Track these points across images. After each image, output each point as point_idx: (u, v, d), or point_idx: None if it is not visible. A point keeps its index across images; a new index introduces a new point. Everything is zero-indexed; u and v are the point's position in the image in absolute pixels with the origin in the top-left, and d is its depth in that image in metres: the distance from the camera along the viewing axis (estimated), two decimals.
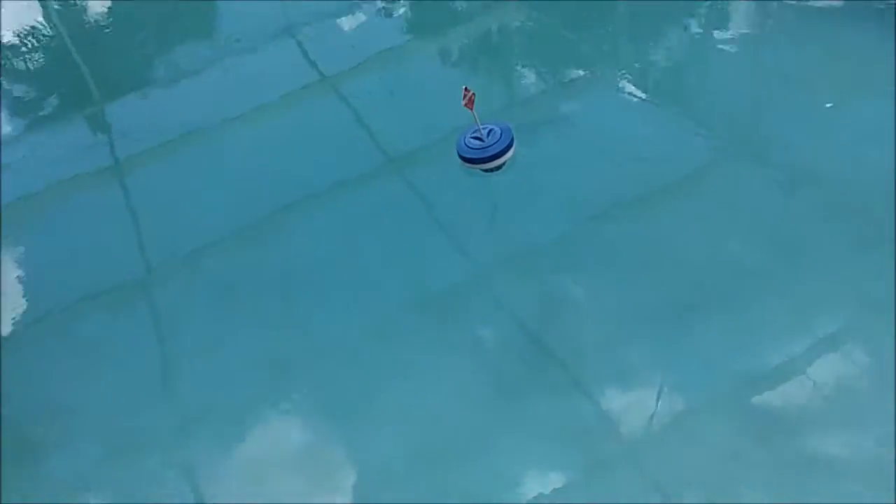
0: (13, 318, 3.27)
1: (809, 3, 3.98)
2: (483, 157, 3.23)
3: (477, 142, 3.26)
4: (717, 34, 4.06)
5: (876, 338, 2.46)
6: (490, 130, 3.28)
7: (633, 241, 2.95)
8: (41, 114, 4.67)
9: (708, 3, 4.30)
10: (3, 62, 5.17)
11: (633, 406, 2.45)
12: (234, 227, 3.46)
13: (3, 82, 5.01)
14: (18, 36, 5.46)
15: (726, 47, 3.92)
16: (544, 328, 2.73)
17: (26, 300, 3.36)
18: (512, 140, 3.26)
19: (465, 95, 3.10)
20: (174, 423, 2.72)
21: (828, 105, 3.31)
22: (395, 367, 2.73)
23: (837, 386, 2.38)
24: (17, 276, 3.50)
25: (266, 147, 3.91)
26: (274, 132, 4.00)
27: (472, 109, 3.13)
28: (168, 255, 3.42)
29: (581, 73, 4.00)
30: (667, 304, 2.71)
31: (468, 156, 3.25)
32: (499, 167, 3.27)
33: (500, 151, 3.22)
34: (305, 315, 2.99)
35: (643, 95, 3.66)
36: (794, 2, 4.05)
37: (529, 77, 4.06)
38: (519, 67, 4.22)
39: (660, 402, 2.44)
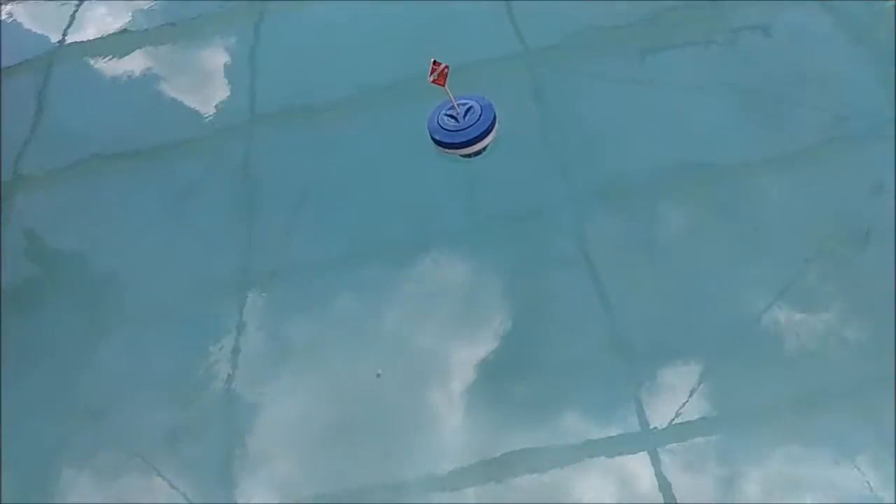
0: None
1: None
2: (459, 142, 2.72)
3: (452, 121, 2.74)
4: None
5: None
6: (469, 108, 2.75)
7: None
8: None
9: None
10: None
11: None
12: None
13: None
14: None
15: None
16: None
17: None
18: (494, 119, 2.73)
19: (433, 70, 2.56)
20: None
21: None
22: None
23: None
24: None
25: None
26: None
27: (443, 85, 2.60)
28: None
29: None
30: None
31: (441, 139, 2.74)
32: (479, 152, 2.76)
33: (480, 135, 2.71)
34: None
35: None
36: None
37: None
38: None
39: None
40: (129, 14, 3.91)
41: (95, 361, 2.63)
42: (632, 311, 2.39)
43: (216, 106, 3.38)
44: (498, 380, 2.35)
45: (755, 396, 2.19)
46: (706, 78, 2.93)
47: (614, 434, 2.19)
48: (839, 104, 2.74)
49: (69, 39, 3.85)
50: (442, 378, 2.39)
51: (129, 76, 3.61)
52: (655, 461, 2.12)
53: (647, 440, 2.16)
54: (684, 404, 2.20)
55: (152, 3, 3.94)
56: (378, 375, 2.40)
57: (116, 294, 2.81)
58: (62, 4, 4.05)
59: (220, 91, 3.45)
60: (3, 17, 4.07)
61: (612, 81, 3.01)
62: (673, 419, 2.18)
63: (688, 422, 2.17)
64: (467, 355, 2.41)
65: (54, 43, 3.83)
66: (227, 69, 3.54)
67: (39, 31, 3.94)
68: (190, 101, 3.44)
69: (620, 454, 2.16)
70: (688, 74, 2.96)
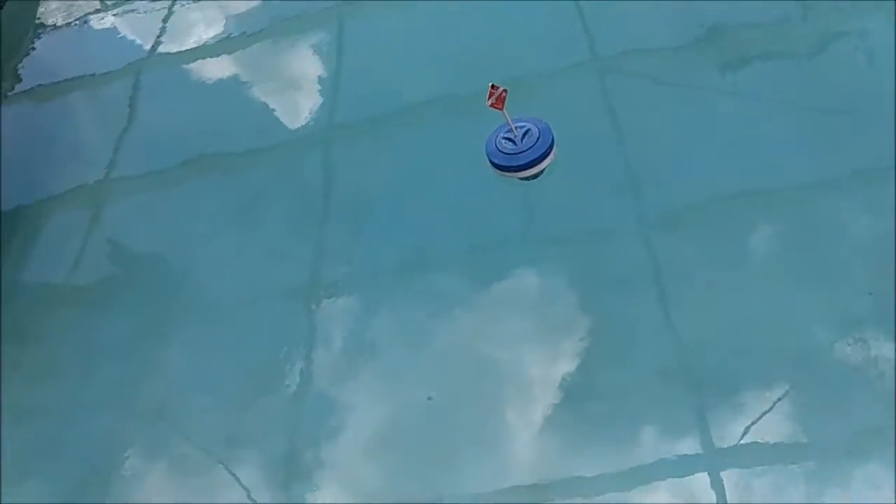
0: None
1: None
2: (516, 166, 2.71)
3: (510, 144, 2.74)
4: None
5: None
6: (526, 131, 2.74)
7: None
8: None
9: None
10: None
11: None
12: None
13: None
14: None
15: None
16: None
17: None
18: (552, 142, 2.71)
19: (491, 94, 2.56)
20: None
21: None
22: None
23: None
24: None
25: None
26: None
27: (501, 109, 2.60)
28: None
29: None
30: None
31: (499, 162, 2.74)
32: (536, 175, 2.74)
33: (538, 158, 2.69)
34: None
35: None
36: None
37: None
38: None
39: None
40: (217, 21, 4.06)
41: (160, 361, 2.75)
42: (695, 335, 2.33)
43: (293, 114, 3.47)
44: (557, 400, 2.33)
45: (816, 428, 2.12)
46: (783, 95, 2.81)
47: (675, 456, 2.14)
48: None
49: (160, 46, 4.03)
50: (500, 395, 2.38)
51: (212, 83, 3.75)
52: (717, 484, 2.07)
53: (710, 463, 2.12)
54: (748, 428, 2.14)
55: (241, 11, 4.08)
56: (429, 399, 2.42)
57: (184, 297, 2.93)
58: (153, 12, 4.24)
59: (299, 99, 3.54)
60: (98, 25, 4.30)
61: (684, 94, 2.94)
62: (736, 442, 2.13)
63: (751, 445, 2.12)
64: (528, 374, 2.40)
65: (146, 50, 4.02)
66: (308, 77, 3.63)
67: (132, 38, 4.15)
68: (270, 108, 3.55)
69: (682, 476, 2.11)
70: (764, 90, 2.85)
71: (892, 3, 2.95)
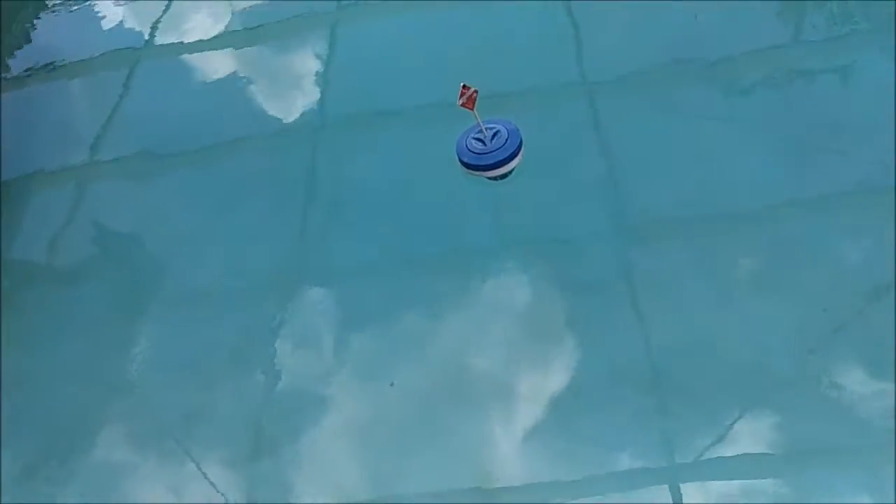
0: None
1: None
2: (484, 165, 2.79)
3: (479, 144, 2.81)
4: None
5: None
6: (496, 132, 2.82)
7: None
8: None
9: None
10: None
11: None
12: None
13: None
14: None
15: None
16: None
17: None
18: (520, 144, 2.78)
19: (462, 94, 2.64)
20: None
21: None
22: None
23: None
24: None
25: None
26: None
27: (472, 109, 2.68)
28: None
29: None
30: None
31: (468, 161, 2.82)
32: (504, 175, 2.82)
33: (505, 159, 2.77)
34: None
35: None
36: None
37: None
38: None
39: None
40: (215, 15, 4.15)
41: (130, 338, 2.82)
42: (662, 342, 2.38)
43: (282, 108, 3.55)
44: (518, 404, 2.38)
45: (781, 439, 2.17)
46: (765, 119, 2.88)
47: (636, 467, 2.19)
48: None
49: (157, 36, 4.12)
50: (454, 394, 2.44)
51: (205, 75, 3.84)
52: (676, 495, 2.12)
53: (671, 475, 2.16)
54: (710, 437, 2.19)
55: (240, 7, 4.17)
56: (392, 385, 2.49)
57: (159, 278, 3.00)
58: (154, 2, 4.34)
59: (289, 94, 3.63)
60: (99, 10, 4.40)
61: (669, 112, 3.01)
62: (698, 452, 2.18)
63: (712, 459, 2.17)
64: (484, 374, 2.46)
65: (143, 39, 4.11)
66: (299, 73, 3.72)
67: (130, 26, 4.24)
68: (259, 102, 3.63)
69: (640, 488, 2.16)
70: (747, 113, 2.92)
71: (886, 35, 3.02)
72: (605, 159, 2.89)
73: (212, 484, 2.42)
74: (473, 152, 2.80)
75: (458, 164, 2.85)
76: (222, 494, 2.39)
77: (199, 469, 2.45)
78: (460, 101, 2.64)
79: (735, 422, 2.21)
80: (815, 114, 2.85)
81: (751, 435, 2.18)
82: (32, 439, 2.63)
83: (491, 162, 2.76)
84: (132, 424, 2.62)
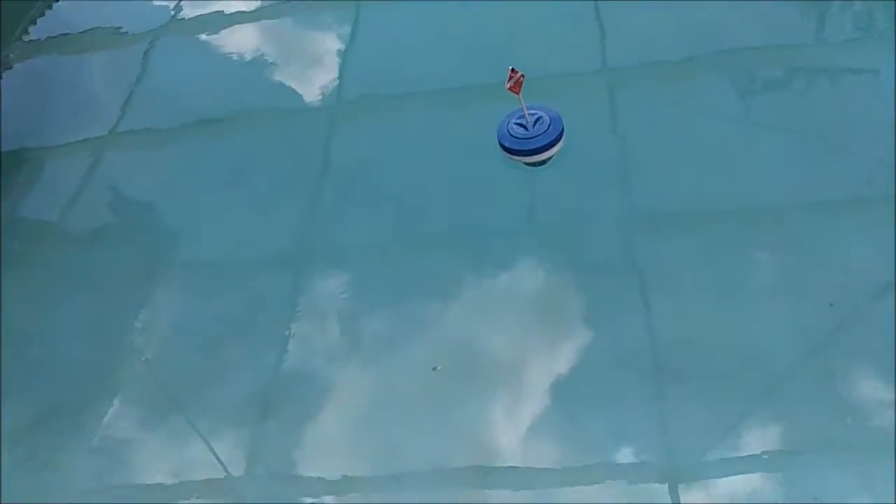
0: None
1: None
2: (525, 150, 2.78)
3: (521, 129, 2.81)
4: None
5: None
6: (538, 118, 2.82)
7: None
8: None
9: None
10: None
11: None
12: None
13: None
14: None
15: None
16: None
17: None
18: (562, 131, 2.79)
19: (510, 77, 2.64)
20: None
21: None
22: None
23: None
24: None
25: None
26: None
27: (518, 93, 2.67)
28: None
29: None
30: None
31: (509, 145, 2.81)
32: (543, 162, 2.81)
33: (547, 145, 2.77)
34: None
35: None
36: None
37: None
38: None
39: None
40: None
41: (141, 301, 2.79)
42: (669, 331, 2.37)
43: (301, 85, 3.53)
44: (522, 387, 2.35)
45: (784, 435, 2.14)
46: (774, 117, 2.90)
47: (636, 460, 2.15)
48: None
49: (181, 11, 4.07)
50: (459, 372, 2.40)
51: (225, 50, 3.81)
52: (674, 492, 2.08)
53: (670, 470, 2.12)
54: (708, 437, 2.16)
55: None
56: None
57: (171, 246, 2.98)
58: None
59: (309, 72, 3.60)
60: None
61: (689, 108, 3.02)
62: (697, 448, 2.14)
63: (711, 452, 2.13)
64: (489, 355, 2.43)
65: (167, 13, 4.06)
66: (320, 52, 3.69)
67: (154, 2, 4.20)
68: (279, 79, 3.61)
69: (639, 482, 2.11)
70: (767, 111, 2.93)
71: None
72: (621, 148, 2.91)
73: (213, 452, 2.38)
74: (515, 137, 2.79)
75: (499, 148, 2.83)
76: (224, 465, 2.34)
77: (203, 437, 2.41)
78: (508, 85, 2.64)
79: (735, 415, 2.19)
80: (831, 113, 2.88)
81: (751, 429, 2.16)
82: (44, 393, 2.58)
83: (532, 147, 2.76)
84: (140, 386, 2.57)
